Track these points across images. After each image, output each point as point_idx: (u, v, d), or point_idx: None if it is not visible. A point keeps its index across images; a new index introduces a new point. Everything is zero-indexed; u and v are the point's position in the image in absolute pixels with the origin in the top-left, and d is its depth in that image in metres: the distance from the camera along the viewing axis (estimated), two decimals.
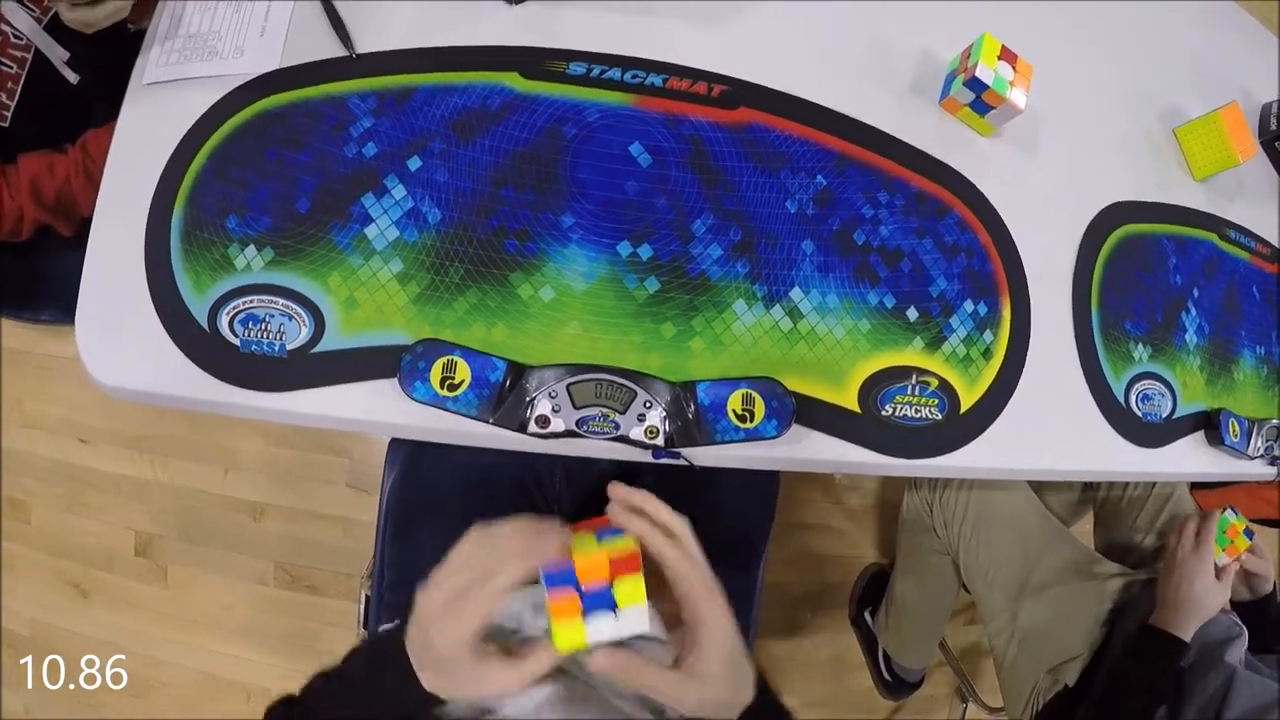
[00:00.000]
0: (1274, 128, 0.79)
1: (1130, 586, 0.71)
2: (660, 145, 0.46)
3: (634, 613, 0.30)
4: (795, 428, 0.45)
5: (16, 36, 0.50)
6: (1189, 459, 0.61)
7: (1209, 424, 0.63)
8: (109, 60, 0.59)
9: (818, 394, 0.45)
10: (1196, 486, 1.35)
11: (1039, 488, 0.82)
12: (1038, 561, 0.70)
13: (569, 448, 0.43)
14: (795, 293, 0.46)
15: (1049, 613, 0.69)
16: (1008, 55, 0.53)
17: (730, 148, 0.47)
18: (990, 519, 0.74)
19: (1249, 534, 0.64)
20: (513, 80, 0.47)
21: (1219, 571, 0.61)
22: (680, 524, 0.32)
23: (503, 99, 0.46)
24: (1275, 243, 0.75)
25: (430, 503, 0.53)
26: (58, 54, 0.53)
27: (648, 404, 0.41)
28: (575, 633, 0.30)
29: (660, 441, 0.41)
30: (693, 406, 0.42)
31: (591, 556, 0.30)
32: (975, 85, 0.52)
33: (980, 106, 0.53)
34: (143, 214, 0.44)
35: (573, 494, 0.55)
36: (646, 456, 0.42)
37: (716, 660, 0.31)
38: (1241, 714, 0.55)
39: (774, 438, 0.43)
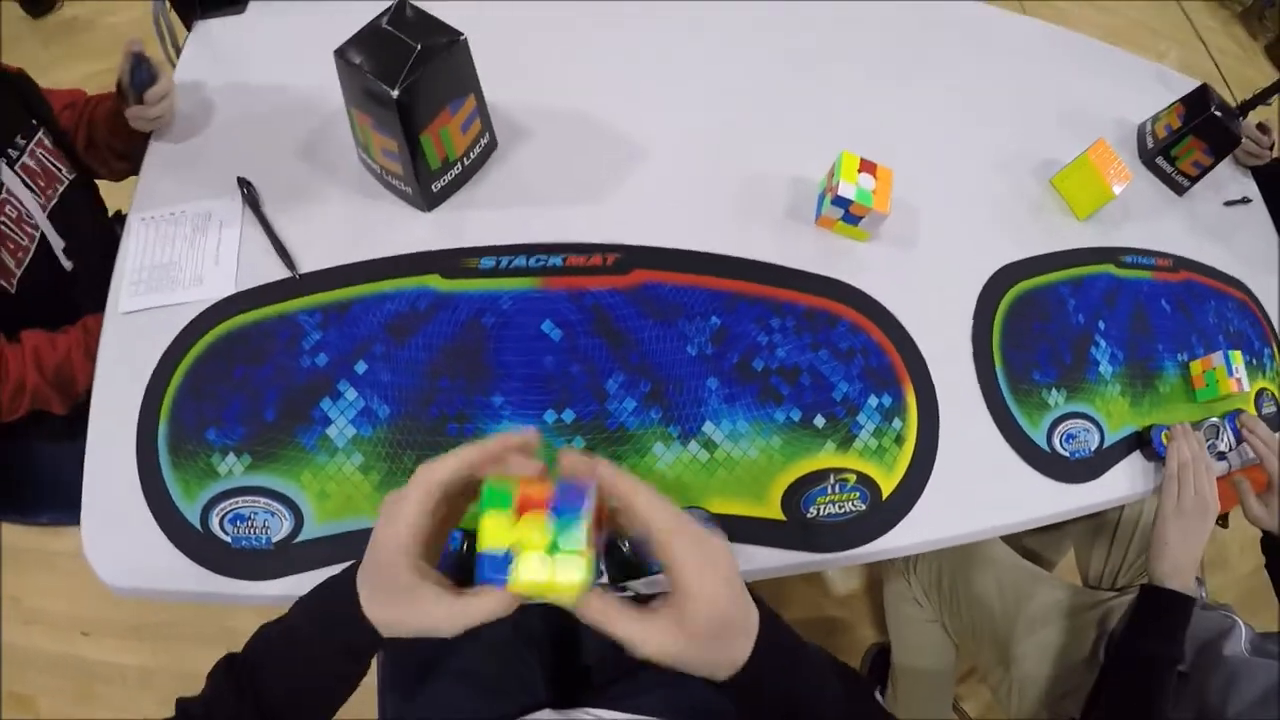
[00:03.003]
0: (1151, 146, 0.90)
1: (1116, 609, 0.76)
2: (568, 319, 0.56)
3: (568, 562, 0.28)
4: (718, 556, 0.52)
5: (27, 216, 0.61)
6: (1131, 480, 0.69)
7: (1143, 443, 0.70)
8: (99, 260, 0.70)
9: (743, 511, 0.53)
10: None
11: (1014, 534, 0.88)
12: (1018, 611, 0.75)
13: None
14: (707, 426, 0.55)
15: (1040, 657, 0.74)
16: (867, 166, 0.64)
17: (629, 308, 0.57)
18: (965, 578, 0.79)
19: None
20: (435, 282, 0.57)
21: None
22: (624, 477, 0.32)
23: (429, 300, 0.56)
24: (1175, 252, 0.84)
25: (419, 660, 0.60)
26: (57, 241, 0.64)
27: None
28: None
29: (604, 581, 0.49)
30: (626, 545, 0.50)
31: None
32: (840, 201, 0.62)
33: (850, 218, 0.64)
34: (131, 433, 0.53)
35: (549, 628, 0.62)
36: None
37: (699, 617, 0.30)
38: (1245, 706, 0.57)
39: None
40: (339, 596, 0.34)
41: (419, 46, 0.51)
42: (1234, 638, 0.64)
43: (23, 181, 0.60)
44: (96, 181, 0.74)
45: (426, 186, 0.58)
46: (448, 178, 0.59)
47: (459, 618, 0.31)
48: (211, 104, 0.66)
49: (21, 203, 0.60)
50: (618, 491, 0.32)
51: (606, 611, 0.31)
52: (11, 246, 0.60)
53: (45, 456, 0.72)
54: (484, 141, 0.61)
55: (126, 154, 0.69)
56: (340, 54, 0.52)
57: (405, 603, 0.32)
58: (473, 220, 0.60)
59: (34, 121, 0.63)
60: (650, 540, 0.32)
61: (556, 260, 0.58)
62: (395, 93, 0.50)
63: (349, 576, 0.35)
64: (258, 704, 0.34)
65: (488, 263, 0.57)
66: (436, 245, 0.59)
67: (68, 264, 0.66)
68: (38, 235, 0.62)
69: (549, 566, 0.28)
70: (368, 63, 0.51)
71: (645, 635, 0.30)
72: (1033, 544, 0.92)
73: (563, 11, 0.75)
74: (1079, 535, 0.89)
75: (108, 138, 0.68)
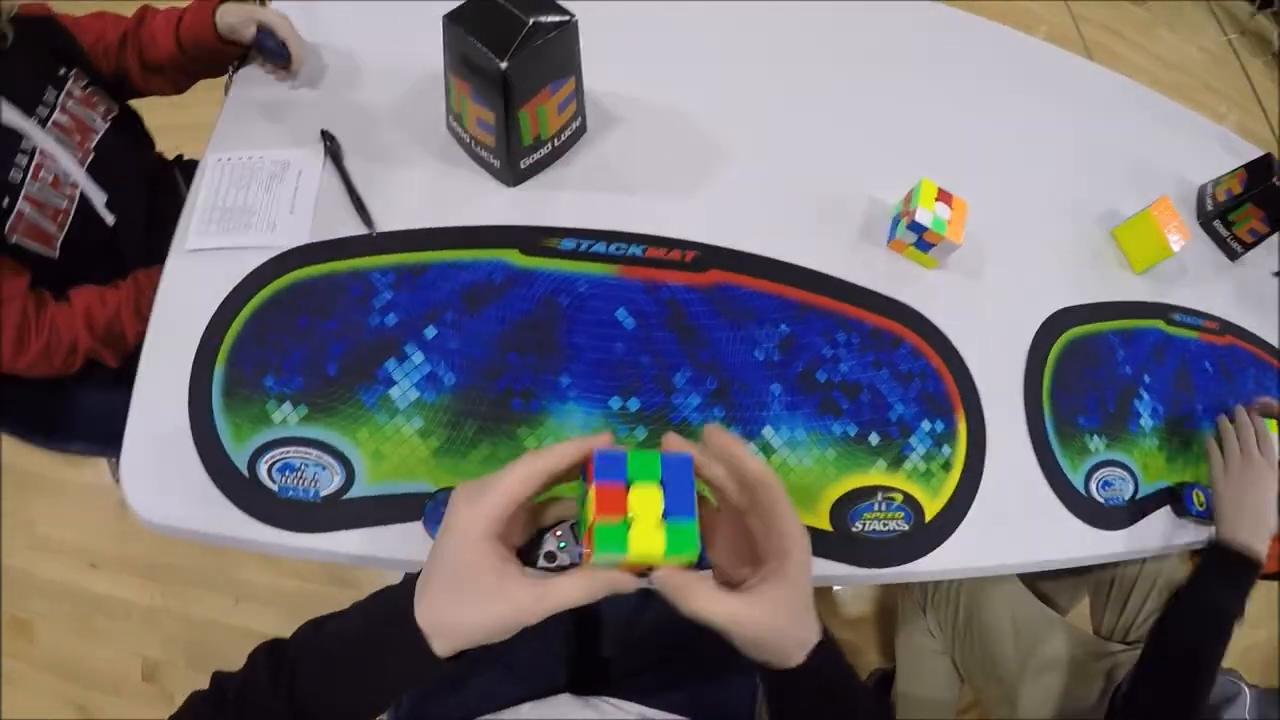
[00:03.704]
0: (1210, 208, 0.92)
1: (1125, 664, 0.77)
2: (642, 309, 0.57)
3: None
4: (807, 536, 0.53)
5: (65, 177, 0.59)
6: (1159, 534, 0.70)
7: (1174, 498, 0.72)
8: (145, 209, 0.70)
9: None
10: (1196, 553, 1.41)
11: (1032, 576, 0.89)
12: (1031, 652, 0.77)
13: None
14: (767, 430, 0.56)
15: (1048, 701, 0.75)
16: (944, 196, 0.65)
17: (703, 307, 0.58)
18: (981, 614, 0.81)
19: None
20: (513, 257, 0.58)
21: None
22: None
23: (505, 274, 0.58)
24: (1222, 316, 0.86)
25: None
26: (97, 196, 0.63)
27: None
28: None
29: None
30: None
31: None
32: (916, 227, 0.64)
33: (923, 245, 0.65)
34: (185, 370, 0.53)
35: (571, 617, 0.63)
36: (640, 582, 0.51)
37: (799, 582, 0.31)
38: None
39: None
40: (392, 610, 0.33)
41: (531, 22, 0.53)
42: (1238, 704, 0.66)
43: (57, 140, 0.58)
44: (139, 117, 0.73)
45: (515, 162, 0.60)
46: (537, 155, 0.61)
47: (545, 600, 0.30)
48: (300, 56, 0.67)
49: (58, 163, 0.59)
50: (730, 452, 0.32)
51: (697, 590, 0.30)
52: (51, 211, 0.59)
53: (85, 389, 0.71)
54: (576, 124, 0.63)
55: (200, 73, 0.68)
56: (450, 20, 0.53)
57: (487, 594, 0.30)
58: (554, 201, 0.61)
59: (61, 71, 0.60)
60: (761, 502, 0.32)
61: (636, 250, 0.59)
62: (504, 65, 0.51)
63: (405, 590, 0.33)
64: (290, 697, 0.33)
65: (568, 244, 0.59)
66: (516, 221, 0.60)
67: (110, 218, 0.64)
68: (77, 194, 0.61)
69: (661, 536, 0.29)
70: (478, 32, 0.52)
71: (745, 611, 0.31)
72: (1049, 588, 0.93)
73: (664, 9, 0.76)
74: (1095, 584, 0.91)
75: (183, 60, 0.65)
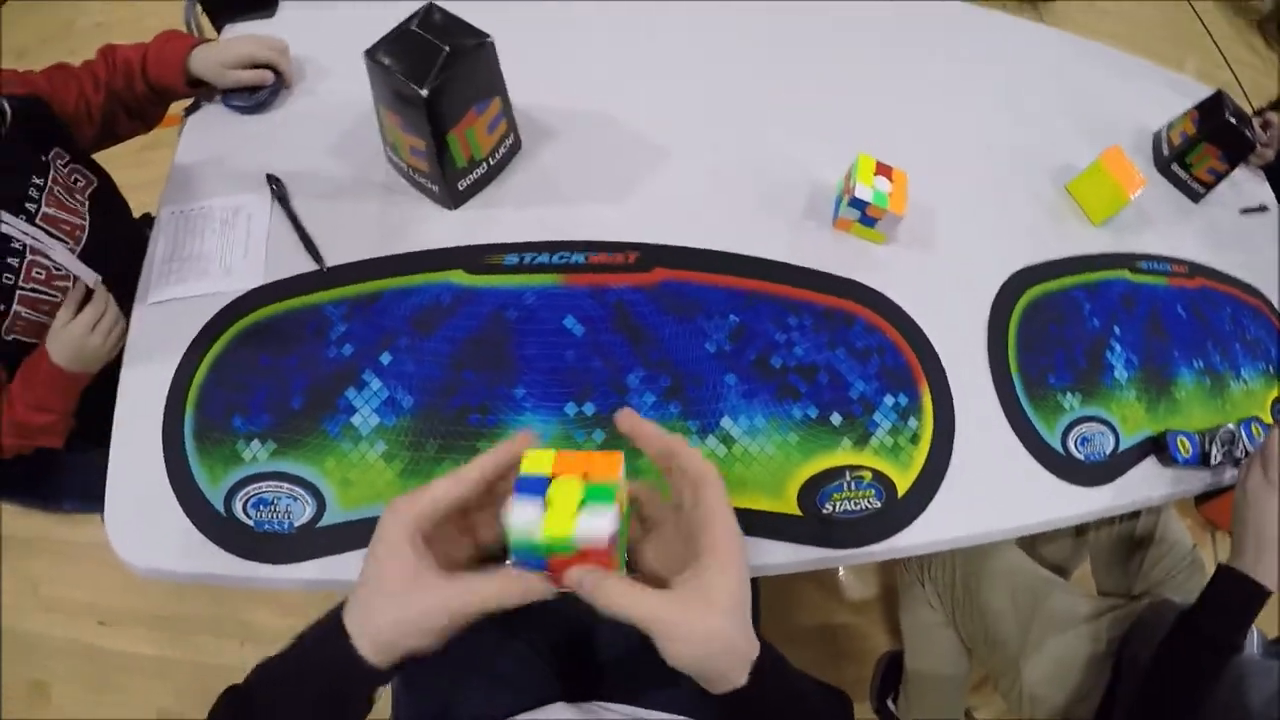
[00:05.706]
0: (1166, 153, 0.91)
1: (1129, 616, 0.76)
2: (590, 315, 0.57)
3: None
4: (743, 539, 0.53)
5: (57, 269, 0.58)
6: (1146, 485, 0.69)
7: (1158, 448, 0.70)
8: (132, 275, 0.70)
9: (760, 506, 0.54)
10: (1199, 503, 1.39)
11: (1030, 541, 0.87)
12: (1031, 615, 0.75)
13: None
14: (725, 421, 0.56)
15: (1052, 663, 0.74)
16: (883, 169, 0.65)
17: (650, 305, 0.58)
18: (979, 582, 0.79)
19: None
20: (459, 277, 0.59)
21: None
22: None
23: (453, 294, 0.58)
24: (1191, 259, 0.85)
25: (434, 658, 0.60)
26: (91, 278, 0.62)
27: None
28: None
29: (623, 573, 0.50)
30: None
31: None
32: (857, 203, 0.63)
33: (867, 220, 0.65)
34: (158, 419, 0.54)
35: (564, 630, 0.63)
36: (554, 589, 0.50)
37: (726, 585, 0.29)
38: (1264, 701, 0.56)
39: None
40: (327, 635, 0.33)
41: (447, 48, 0.53)
42: (1249, 641, 0.64)
43: (48, 233, 0.57)
44: (114, 183, 0.71)
45: (452, 184, 0.60)
46: (473, 176, 0.61)
47: (455, 601, 0.30)
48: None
49: (49, 256, 0.57)
50: (667, 447, 0.32)
51: (613, 585, 0.29)
52: (47, 307, 0.58)
53: (75, 456, 0.72)
54: (509, 142, 0.63)
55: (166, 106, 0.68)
56: (370, 55, 0.54)
57: (398, 595, 0.30)
58: (497, 218, 0.62)
59: (45, 156, 0.58)
60: (701, 500, 0.32)
61: (579, 257, 0.59)
62: (424, 93, 0.51)
63: (337, 615, 0.33)
64: None
65: (511, 259, 0.59)
66: (461, 242, 0.60)
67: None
68: (71, 283, 0.59)
69: (576, 519, 0.29)
70: (397, 64, 0.53)
71: (664, 608, 0.29)
72: (1049, 552, 0.92)
73: (584, 14, 0.77)
74: (1095, 545, 0.89)
75: (152, 97, 0.65)
